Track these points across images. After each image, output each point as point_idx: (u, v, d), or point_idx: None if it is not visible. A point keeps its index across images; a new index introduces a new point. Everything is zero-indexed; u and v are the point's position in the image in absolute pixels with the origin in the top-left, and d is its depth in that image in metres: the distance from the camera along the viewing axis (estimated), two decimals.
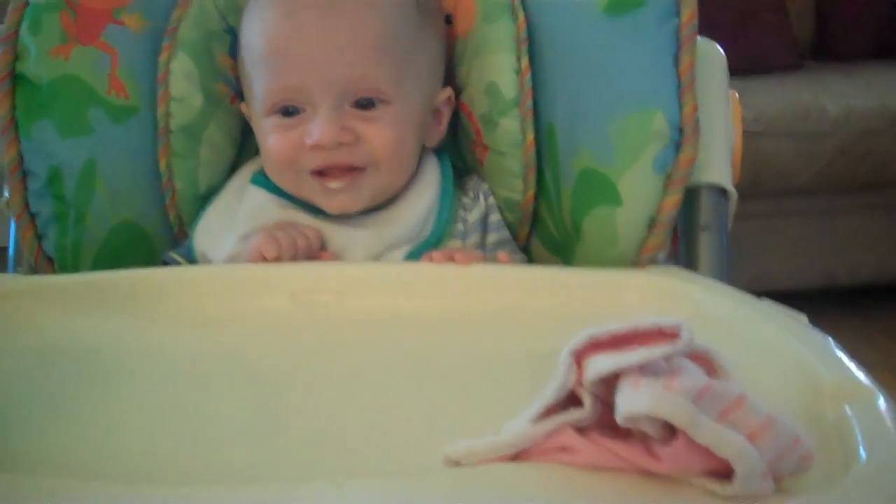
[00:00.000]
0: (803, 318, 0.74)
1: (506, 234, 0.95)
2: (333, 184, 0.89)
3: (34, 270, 0.94)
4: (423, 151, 0.96)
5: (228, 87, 0.98)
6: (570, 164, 0.89)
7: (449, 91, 0.95)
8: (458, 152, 1.00)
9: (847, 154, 2.26)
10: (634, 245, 0.86)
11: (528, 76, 0.92)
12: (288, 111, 0.89)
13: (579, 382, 0.55)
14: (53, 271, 0.93)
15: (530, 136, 0.92)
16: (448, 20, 0.97)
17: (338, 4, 0.88)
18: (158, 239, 0.97)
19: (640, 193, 0.86)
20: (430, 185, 0.94)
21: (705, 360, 0.57)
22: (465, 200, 0.95)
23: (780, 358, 0.65)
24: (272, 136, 0.90)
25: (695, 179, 0.88)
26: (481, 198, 0.95)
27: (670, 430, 0.50)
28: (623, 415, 0.51)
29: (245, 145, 1.00)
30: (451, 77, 0.98)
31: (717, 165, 0.90)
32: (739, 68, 2.45)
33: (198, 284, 0.83)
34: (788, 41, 2.62)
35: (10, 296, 0.80)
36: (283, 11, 0.90)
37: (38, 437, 0.61)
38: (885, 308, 2.44)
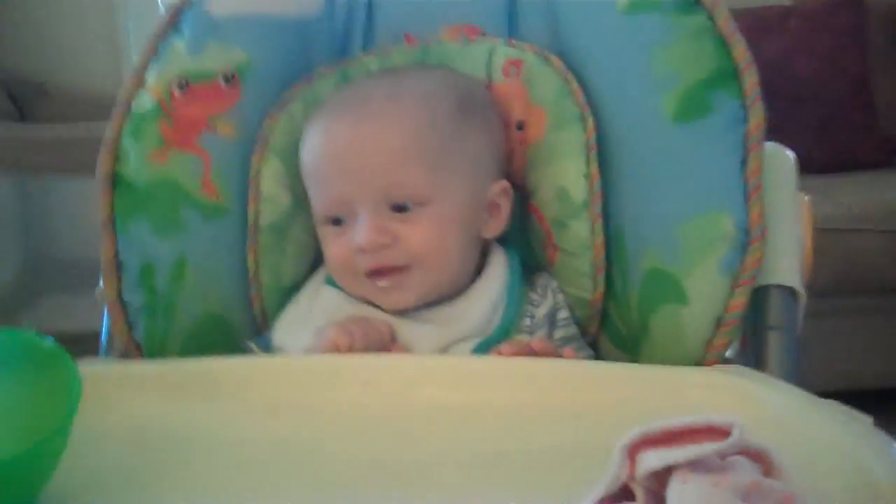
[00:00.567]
0: (868, 420, 0.74)
1: (573, 330, 0.98)
2: (382, 283, 0.93)
3: (124, 356, 0.98)
4: (490, 246, 0.99)
5: None
6: (638, 264, 0.92)
7: (503, 184, 0.97)
8: (529, 250, 1.03)
9: None
10: (701, 344, 0.88)
11: (597, 180, 0.95)
12: (337, 220, 0.95)
13: (632, 476, 0.56)
14: (142, 358, 0.98)
15: (600, 238, 0.95)
16: (520, 127, 1.01)
17: (368, 114, 0.93)
18: (242, 330, 1.02)
19: (706, 293, 0.87)
20: (496, 279, 0.97)
21: (762, 459, 0.58)
22: (534, 296, 0.98)
23: (838, 459, 0.66)
24: (328, 244, 0.96)
25: (764, 280, 0.89)
26: (549, 294, 0.98)
27: None
28: None
29: None
30: (522, 181, 1.01)
31: (787, 267, 0.91)
32: (827, 165, 2.48)
33: (274, 373, 0.86)
34: (877, 138, 2.60)
35: (99, 380, 0.84)
36: (323, 130, 0.96)
37: None
38: None
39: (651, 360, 0.90)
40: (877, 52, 2.66)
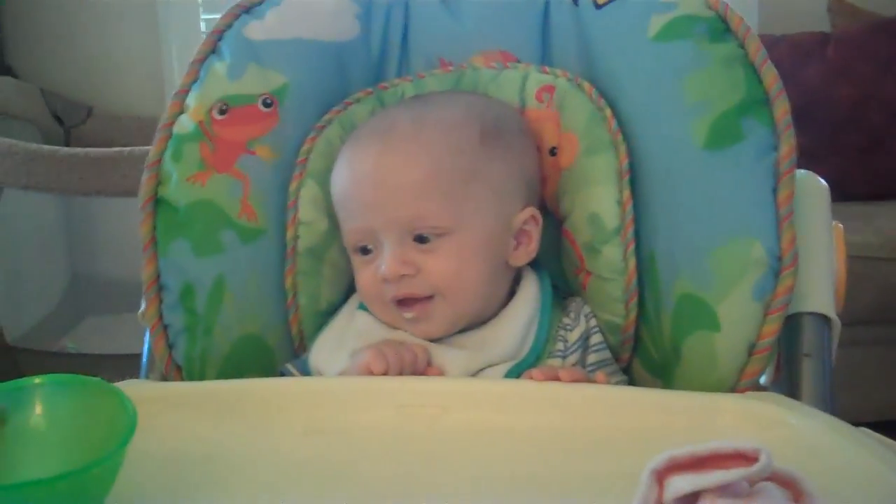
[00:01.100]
0: None
1: (606, 354, 0.98)
2: (408, 314, 0.94)
3: (164, 378, 1.00)
4: (522, 270, 1.00)
5: None
6: (671, 290, 0.92)
7: (530, 211, 0.97)
8: (562, 276, 1.04)
9: None
10: (734, 370, 0.88)
11: (629, 206, 0.96)
12: (365, 250, 0.96)
13: (659, 500, 0.57)
14: (182, 379, 0.99)
15: (632, 263, 0.96)
16: (552, 152, 1.02)
17: (389, 149, 0.94)
18: (280, 351, 1.03)
19: (739, 320, 0.88)
20: (528, 303, 0.98)
21: (791, 485, 0.58)
22: (566, 320, 0.98)
23: (870, 487, 0.66)
24: (358, 272, 0.98)
25: (797, 307, 0.90)
26: (582, 319, 0.98)
27: None
28: None
29: None
30: (555, 206, 1.02)
31: (820, 294, 0.91)
32: (867, 192, 2.46)
33: (311, 395, 0.88)
34: None
35: (140, 400, 0.84)
36: (349, 160, 0.98)
37: None
38: None
39: (684, 385, 0.90)
40: None
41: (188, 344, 0.99)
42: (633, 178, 0.97)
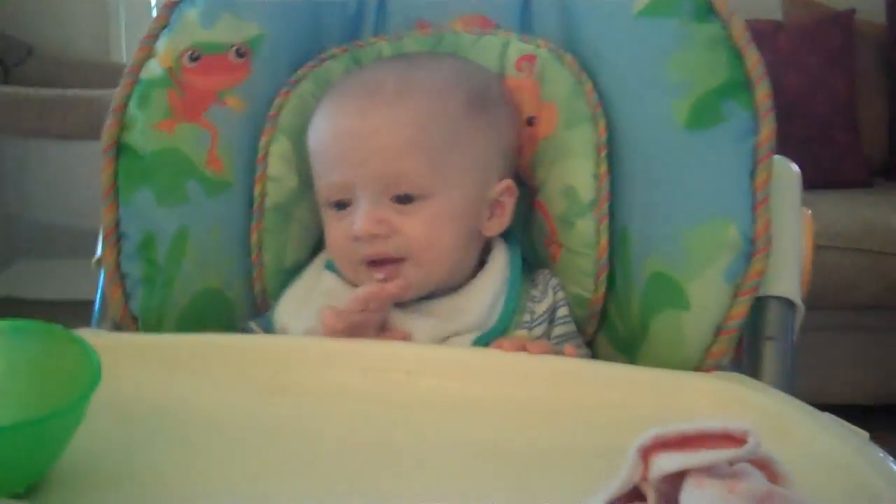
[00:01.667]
0: (864, 435, 0.75)
1: (572, 328, 0.98)
2: (377, 275, 0.92)
3: (118, 327, 0.98)
4: (493, 242, 0.99)
5: None
6: (642, 267, 0.92)
7: (507, 182, 0.97)
8: (530, 247, 1.03)
9: None
10: (700, 350, 0.88)
11: (605, 181, 0.95)
12: (339, 204, 0.94)
13: (644, 478, 0.57)
14: (136, 330, 0.97)
15: (604, 238, 0.95)
16: (530, 122, 1.01)
17: (376, 107, 0.92)
18: (240, 307, 1.01)
19: (708, 300, 0.88)
20: (496, 274, 0.97)
21: (767, 466, 0.58)
22: (534, 292, 0.98)
23: (839, 472, 0.67)
24: (329, 228, 0.96)
25: (764, 291, 0.90)
26: (550, 291, 0.98)
27: None
28: None
29: None
30: (529, 176, 1.02)
31: (787, 278, 0.92)
32: (810, 183, 2.48)
33: (275, 353, 0.86)
34: (859, 159, 2.64)
35: (98, 350, 0.83)
36: (331, 114, 0.95)
37: (105, 491, 0.65)
38: None
39: (649, 363, 0.90)
40: (863, 73, 2.69)
41: (146, 295, 0.96)
42: (611, 153, 0.96)
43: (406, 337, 0.91)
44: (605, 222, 0.95)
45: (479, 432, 0.77)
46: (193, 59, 0.98)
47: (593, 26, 0.99)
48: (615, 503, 0.57)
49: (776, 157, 0.92)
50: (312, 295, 0.97)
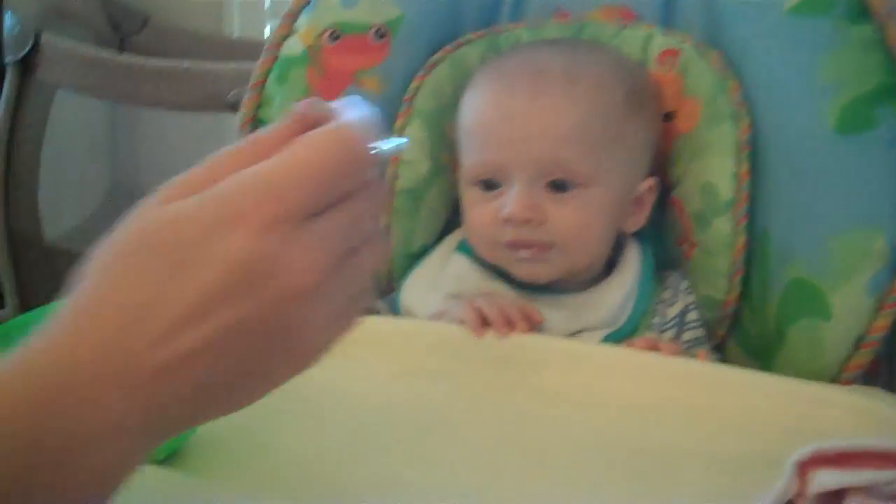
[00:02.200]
0: None
1: (702, 332, 0.96)
2: (522, 253, 0.91)
3: None
4: (625, 239, 0.97)
5: (452, 156, 1.02)
6: (782, 272, 0.90)
7: (652, 181, 0.95)
8: (661, 245, 1.01)
9: None
10: (838, 361, 0.86)
11: (746, 181, 0.93)
12: (489, 185, 0.93)
13: (801, 493, 0.55)
14: None
15: (742, 239, 0.93)
16: (669, 117, 0.99)
17: (544, 92, 0.91)
18: None
19: (851, 311, 0.85)
20: (629, 273, 0.96)
21: None
22: (665, 295, 0.96)
23: None
24: (474, 207, 0.94)
25: None
26: (680, 294, 0.96)
27: None
28: None
29: (458, 212, 1.03)
30: (664, 172, 0.99)
31: None
32: None
33: (403, 336, 0.86)
34: None
35: None
36: (495, 93, 0.94)
37: (242, 460, 0.67)
38: None
39: (783, 370, 0.88)
40: None
41: None
42: (754, 154, 0.93)
43: (540, 322, 0.90)
44: (744, 223, 0.93)
45: (602, 430, 0.76)
46: (334, 38, 0.98)
47: (741, 22, 0.96)
48: None
49: None
50: (441, 278, 0.97)
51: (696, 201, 0.96)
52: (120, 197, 2.74)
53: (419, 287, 0.97)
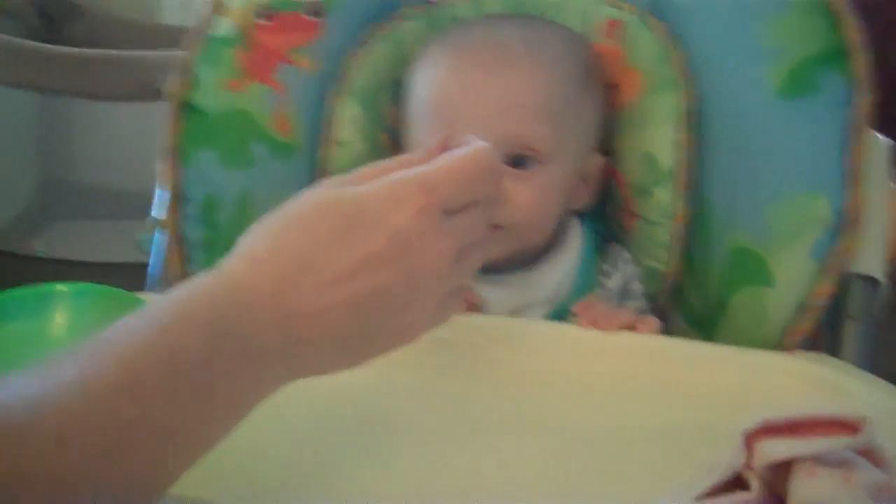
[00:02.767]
0: None
1: (644, 303, 0.95)
2: None
3: None
4: (567, 215, 0.96)
5: (389, 136, 0.99)
6: (723, 241, 0.89)
7: (602, 159, 0.94)
8: (601, 217, 1.00)
9: None
10: (781, 328, 0.86)
11: (686, 149, 0.92)
12: None
13: (748, 465, 0.54)
14: None
15: (683, 208, 0.92)
16: (610, 90, 0.97)
17: (504, 64, 0.89)
18: None
19: (793, 277, 0.85)
20: (571, 248, 0.95)
21: (870, 454, 0.56)
22: (606, 267, 0.95)
23: None
24: None
25: (848, 268, 0.87)
26: (620, 265, 0.95)
27: None
28: (799, 503, 0.50)
29: None
30: (607, 144, 0.98)
31: (871, 255, 0.88)
32: None
33: None
34: None
35: None
36: (450, 67, 0.91)
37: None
38: None
39: (727, 340, 0.87)
40: None
41: (206, 258, 0.94)
42: (699, 122, 0.92)
43: (480, 304, 0.89)
44: (685, 192, 0.92)
45: (549, 407, 0.75)
46: (266, 16, 0.95)
47: None
48: (716, 490, 0.55)
49: None
50: None
51: (636, 172, 0.95)
52: (51, 193, 2.68)
53: None
